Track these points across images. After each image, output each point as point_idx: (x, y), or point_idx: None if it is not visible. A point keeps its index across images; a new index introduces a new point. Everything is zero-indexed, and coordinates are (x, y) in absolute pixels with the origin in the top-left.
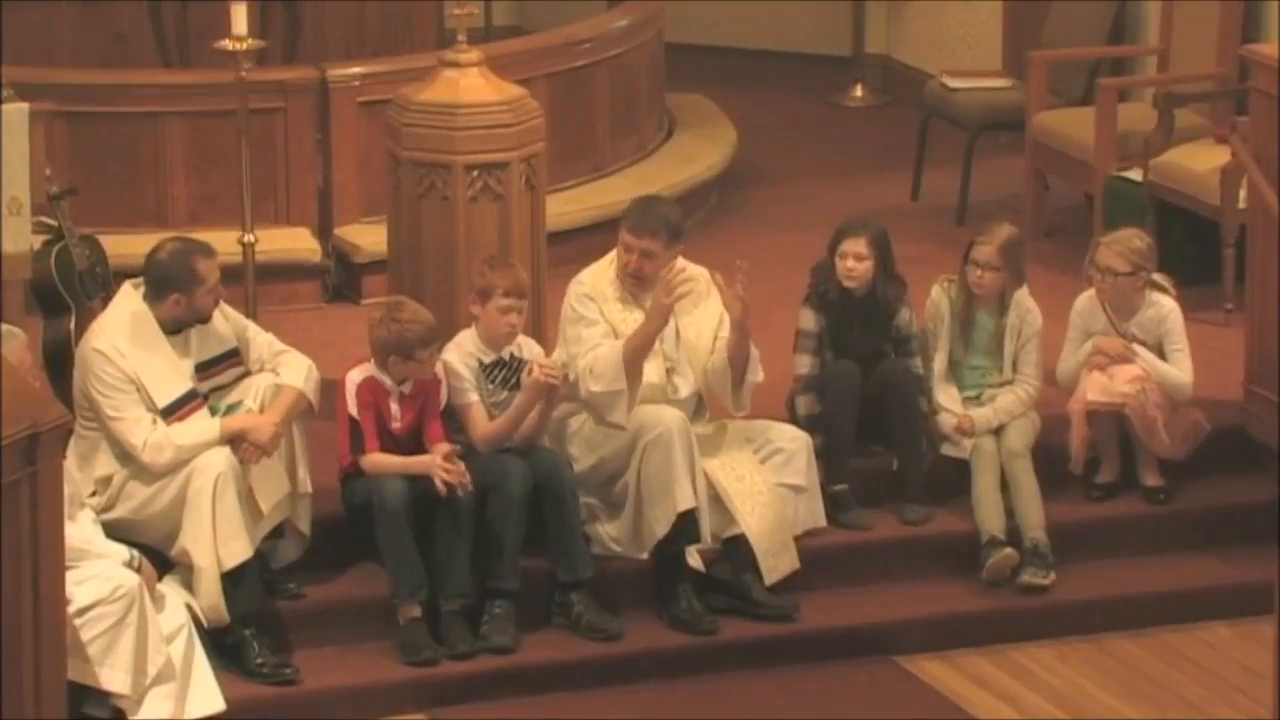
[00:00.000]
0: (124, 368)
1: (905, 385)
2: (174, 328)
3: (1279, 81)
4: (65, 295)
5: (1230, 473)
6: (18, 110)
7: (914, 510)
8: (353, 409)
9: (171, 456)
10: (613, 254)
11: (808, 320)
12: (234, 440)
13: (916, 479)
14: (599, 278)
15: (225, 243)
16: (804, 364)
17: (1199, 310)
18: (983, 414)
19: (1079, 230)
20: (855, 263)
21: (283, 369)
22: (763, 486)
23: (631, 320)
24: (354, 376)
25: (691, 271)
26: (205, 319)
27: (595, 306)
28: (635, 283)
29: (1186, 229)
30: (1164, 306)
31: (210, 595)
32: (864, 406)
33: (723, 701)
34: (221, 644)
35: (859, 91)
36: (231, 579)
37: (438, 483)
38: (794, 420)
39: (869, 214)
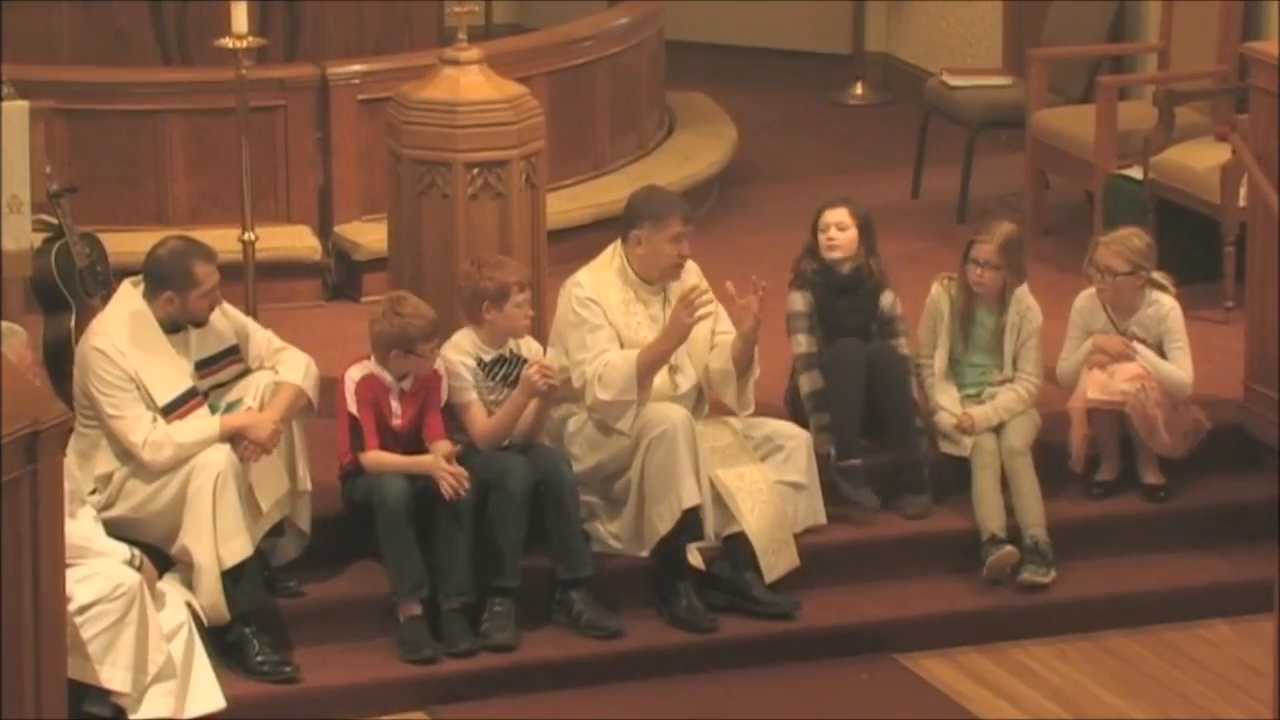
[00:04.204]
0: (124, 366)
1: (893, 366)
2: (171, 326)
3: (1279, 79)
4: (65, 293)
5: (1230, 471)
6: (18, 108)
7: (914, 503)
8: (352, 407)
9: (171, 454)
10: (608, 254)
11: (795, 302)
12: (234, 438)
13: (914, 466)
14: (598, 278)
15: (225, 240)
16: (800, 343)
17: (1199, 308)
18: (983, 412)
19: (1079, 228)
20: (838, 232)
21: (282, 366)
22: (762, 484)
23: (634, 321)
24: (353, 374)
25: (687, 265)
26: (199, 323)
27: (598, 309)
28: (678, 270)
29: (1187, 227)
30: (1164, 305)
31: (210, 593)
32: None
33: (723, 700)
34: (222, 642)
35: (859, 89)
36: (232, 577)
37: (445, 488)
38: (794, 408)
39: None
